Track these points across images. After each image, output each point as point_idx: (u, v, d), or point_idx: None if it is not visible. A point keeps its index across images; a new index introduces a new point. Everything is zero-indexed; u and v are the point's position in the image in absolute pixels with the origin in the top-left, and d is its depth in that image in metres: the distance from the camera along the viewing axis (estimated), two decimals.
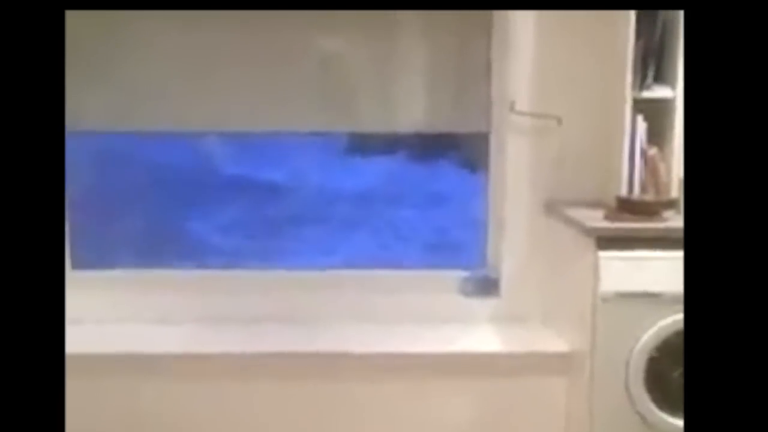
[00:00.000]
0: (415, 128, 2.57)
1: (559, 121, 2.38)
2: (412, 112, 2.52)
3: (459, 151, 2.63)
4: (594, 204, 2.31)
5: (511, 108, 2.40)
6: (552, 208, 2.40)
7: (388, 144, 2.60)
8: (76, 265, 2.49)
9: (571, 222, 2.26)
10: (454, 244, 2.62)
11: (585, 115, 2.38)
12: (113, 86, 2.45)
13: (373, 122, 2.54)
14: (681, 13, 2.16)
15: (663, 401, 2.11)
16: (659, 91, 2.27)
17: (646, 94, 2.27)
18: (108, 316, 2.43)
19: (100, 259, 2.50)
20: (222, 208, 2.56)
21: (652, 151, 2.27)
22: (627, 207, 2.21)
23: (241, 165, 2.62)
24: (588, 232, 2.15)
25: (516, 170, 2.44)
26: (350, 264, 2.49)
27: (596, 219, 2.20)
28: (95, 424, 2.26)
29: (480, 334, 2.43)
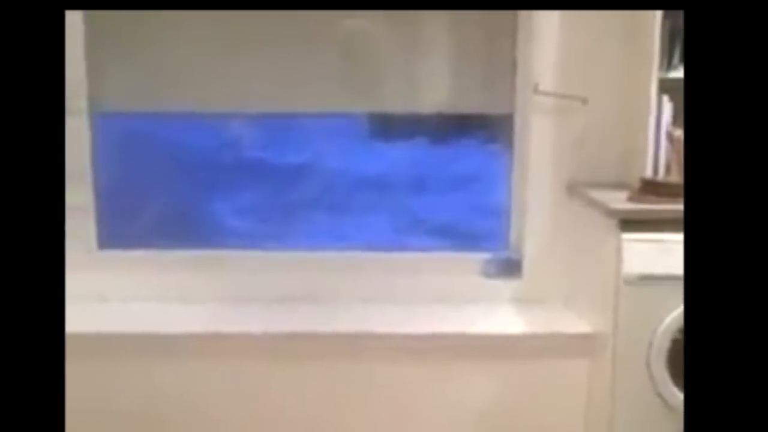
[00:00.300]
0: (439, 109, 2.56)
1: (584, 101, 2.36)
2: (435, 93, 2.51)
3: (482, 133, 2.62)
4: (618, 185, 2.29)
5: (535, 89, 2.39)
6: (575, 189, 2.38)
7: (411, 127, 2.59)
8: (102, 245, 2.52)
9: (594, 203, 2.24)
10: (476, 226, 2.61)
11: (610, 96, 2.36)
12: (138, 67, 2.45)
13: (396, 103, 2.53)
14: None
15: None
16: None
17: (673, 74, 2.23)
18: (132, 295, 2.45)
19: (124, 239, 2.52)
20: (243, 190, 2.57)
21: (678, 132, 2.24)
22: (651, 188, 2.19)
23: (263, 147, 2.62)
24: (611, 213, 2.14)
25: (539, 151, 2.43)
26: (372, 247, 2.49)
27: (620, 200, 2.18)
28: (116, 403, 2.29)
29: (502, 316, 2.43)
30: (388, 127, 2.67)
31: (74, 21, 2.37)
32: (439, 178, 2.61)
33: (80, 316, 2.33)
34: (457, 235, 2.56)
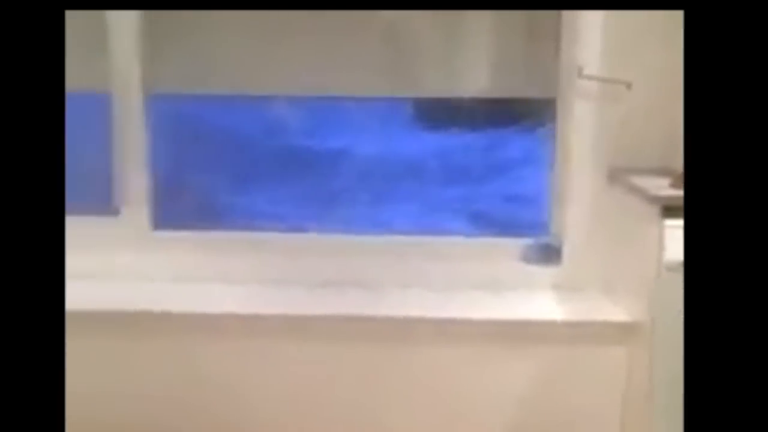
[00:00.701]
0: (481, 94, 2.55)
1: (629, 86, 2.32)
2: (477, 77, 2.50)
3: (523, 118, 2.60)
4: (660, 172, 2.25)
5: (580, 73, 2.35)
6: (617, 175, 2.35)
7: (452, 112, 2.59)
8: (156, 227, 2.57)
9: (635, 190, 2.21)
10: (516, 211, 2.60)
11: (654, 81, 2.31)
12: (189, 50, 2.50)
13: (438, 88, 2.53)
14: None
15: None
16: None
17: None
18: (179, 275, 2.50)
19: (174, 220, 2.58)
20: (287, 173, 2.60)
21: None
22: None
23: (307, 132, 2.66)
24: (653, 200, 2.10)
25: (581, 137, 2.40)
26: (412, 231, 2.50)
27: (662, 187, 2.14)
28: (160, 382, 2.35)
29: (541, 302, 2.41)
30: (430, 112, 2.67)
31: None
32: (480, 163, 2.60)
33: (133, 295, 2.41)
34: (497, 221, 2.54)
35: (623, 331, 2.26)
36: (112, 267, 2.48)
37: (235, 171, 2.62)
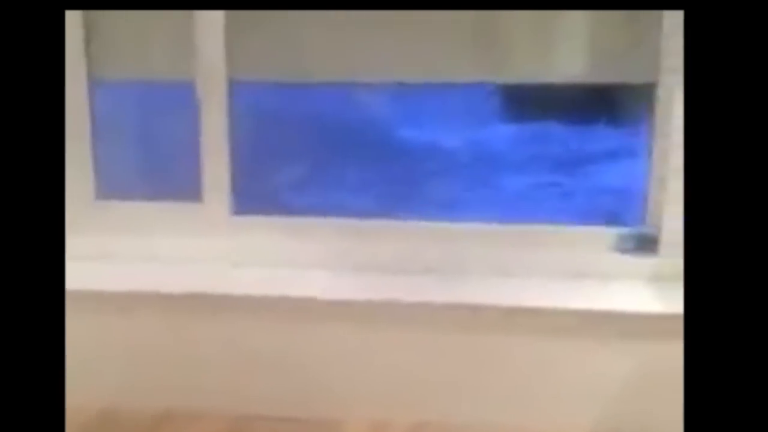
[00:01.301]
0: (575, 79, 2.47)
1: None
2: (571, 62, 2.43)
3: (621, 103, 2.52)
4: None
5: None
6: None
7: (545, 97, 2.52)
8: (236, 211, 2.58)
9: None
10: (612, 200, 2.52)
11: None
12: (272, 37, 2.49)
13: (529, 72, 2.46)
14: None
15: None
16: None
17: None
18: (264, 259, 2.50)
19: (254, 205, 2.58)
20: (376, 160, 2.57)
21: None
22: None
23: (394, 118, 2.62)
24: None
25: (681, 122, 2.30)
26: (504, 219, 2.44)
27: None
28: (235, 364, 2.37)
29: (636, 293, 2.33)
30: (519, 102, 2.61)
31: None
32: (575, 150, 2.53)
33: (210, 279, 2.42)
34: (592, 210, 2.48)
35: None
36: (195, 251, 2.49)
37: (317, 158, 2.60)
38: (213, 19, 2.45)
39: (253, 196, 2.59)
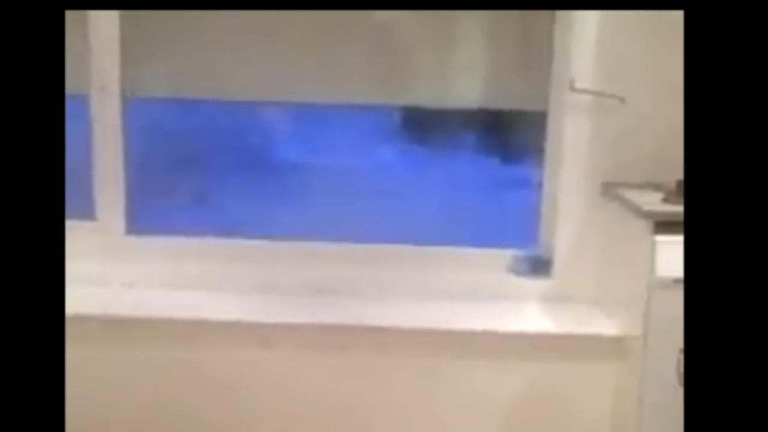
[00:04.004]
0: (471, 105, 2.52)
1: (621, 100, 2.32)
2: (468, 88, 2.48)
3: (514, 130, 2.60)
4: (653, 187, 2.25)
5: (571, 86, 2.35)
6: (609, 189, 2.35)
7: (441, 122, 2.57)
8: (129, 231, 2.52)
9: (627, 204, 2.21)
10: (505, 223, 2.59)
11: (647, 95, 2.32)
12: (170, 54, 2.46)
13: (427, 98, 2.51)
14: None
15: None
16: None
17: None
18: (156, 282, 2.46)
19: (150, 226, 2.52)
20: (263, 181, 2.57)
21: None
22: None
23: (291, 139, 2.62)
24: (645, 215, 2.10)
25: (573, 150, 2.39)
26: (401, 240, 2.47)
27: (654, 202, 2.15)
28: (139, 385, 2.32)
29: (530, 315, 2.40)
30: (417, 124, 2.66)
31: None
32: (469, 174, 2.59)
33: (107, 301, 2.35)
34: (486, 231, 2.53)
35: (614, 346, 2.26)
36: (87, 271, 2.41)
37: (211, 177, 2.57)
38: (108, 34, 2.40)
39: (148, 215, 2.53)
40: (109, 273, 2.45)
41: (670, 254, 2.06)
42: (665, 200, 2.16)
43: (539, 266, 2.49)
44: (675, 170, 2.22)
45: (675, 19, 2.23)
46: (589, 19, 2.33)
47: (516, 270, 2.51)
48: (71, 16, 2.26)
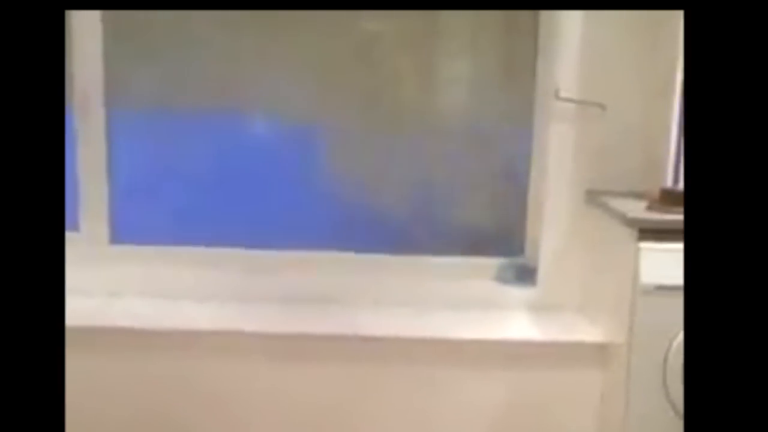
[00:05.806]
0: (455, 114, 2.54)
1: (603, 107, 2.33)
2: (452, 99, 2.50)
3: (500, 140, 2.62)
4: (638, 195, 2.27)
5: (556, 95, 2.36)
6: (594, 197, 2.36)
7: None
8: (114, 240, 2.52)
9: (612, 212, 2.22)
10: (491, 230, 2.60)
11: (631, 103, 2.34)
12: (155, 67, 2.47)
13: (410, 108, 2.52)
14: None
15: None
16: None
17: None
18: (142, 291, 2.45)
19: (135, 235, 2.51)
20: (250, 191, 2.57)
21: None
22: (671, 198, 2.16)
23: (280, 152, 2.61)
24: (630, 222, 2.12)
25: (558, 158, 2.40)
26: (385, 249, 2.48)
27: (639, 210, 2.16)
28: (128, 398, 2.30)
29: (515, 322, 2.41)
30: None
31: (93, 19, 2.38)
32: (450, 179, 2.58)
33: (92, 311, 2.34)
34: (471, 240, 2.55)
35: (599, 353, 2.27)
36: (71, 281, 2.39)
37: (199, 187, 2.57)
38: (91, 45, 2.39)
39: (132, 225, 2.52)
40: (93, 283, 2.43)
41: (654, 261, 2.08)
42: (649, 208, 2.17)
43: (525, 274, 2.50)
44: (659, 177, 2.25)
45: (659, 27, 2.27)
46: (573, 29, 2.34)
47: (502, 278, 2.51)
48: None
